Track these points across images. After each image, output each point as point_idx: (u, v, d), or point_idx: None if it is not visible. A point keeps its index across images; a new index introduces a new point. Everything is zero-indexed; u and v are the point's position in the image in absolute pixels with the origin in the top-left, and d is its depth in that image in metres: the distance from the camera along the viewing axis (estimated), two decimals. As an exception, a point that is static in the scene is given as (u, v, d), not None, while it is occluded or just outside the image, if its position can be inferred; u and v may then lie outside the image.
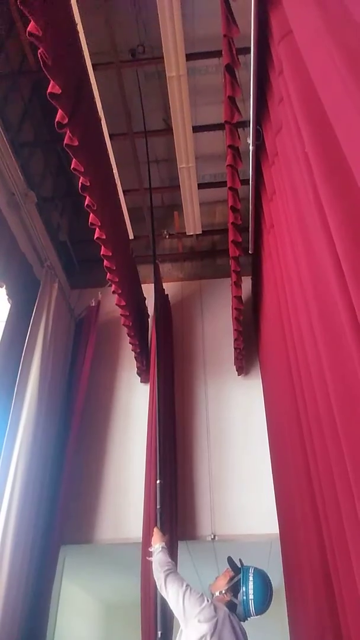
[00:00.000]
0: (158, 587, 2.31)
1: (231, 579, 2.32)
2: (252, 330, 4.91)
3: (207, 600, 2.11)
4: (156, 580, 2.33)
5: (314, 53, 1.63)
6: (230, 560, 2.41)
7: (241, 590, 2.25)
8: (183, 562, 3.93)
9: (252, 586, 2.24)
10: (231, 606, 2.20)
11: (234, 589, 2.27)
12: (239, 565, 2.37)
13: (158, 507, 2.97)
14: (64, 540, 3.87)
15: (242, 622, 2.18)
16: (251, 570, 2.31)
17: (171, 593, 2.18)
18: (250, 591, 2.23)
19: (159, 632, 2.89)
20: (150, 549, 2.56)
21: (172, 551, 2.77)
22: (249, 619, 2.24)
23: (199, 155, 5.08)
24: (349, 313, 1.32)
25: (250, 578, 2.27)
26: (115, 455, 4.50)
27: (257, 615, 2.23)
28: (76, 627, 5.79)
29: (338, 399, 1.51)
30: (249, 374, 4.83)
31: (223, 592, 2.28)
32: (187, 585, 2.18)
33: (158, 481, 3.09)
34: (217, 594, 2.30)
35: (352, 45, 1.38)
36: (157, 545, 2.52)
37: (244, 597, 2.22)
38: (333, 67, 1.42)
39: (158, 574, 2.31)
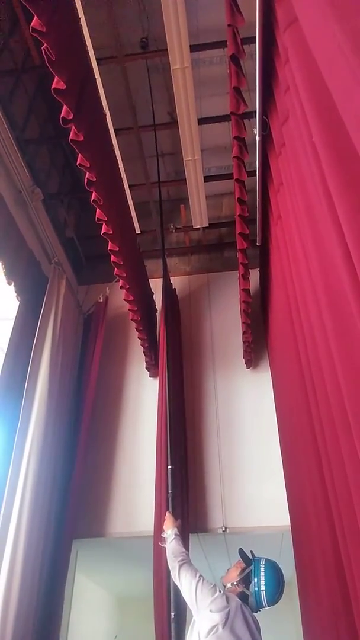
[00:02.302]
0: (172, 576, 2.34)
1: (243, 570, 2.33)
2: (261, 323, 4.90)
3: (219, 591, 2.14)
4: (170, 570, 2.36)
5: (320, 41, 1.60)
6: (241, 552, 2.42)
7: (253, 582, 2.26)
8: (195, 555, 3.92)
9: (263, 577, 2.25)
10: (243, 597, 2.22)
11: (246, 580, 2.29)
12: (251, 557, 2.38)
13: (170, 491, 2.98)
14: (76, 534, 3.91)
15: (254, 613, 2.20)
16: (262, 562, 2.32)
17: (184, 583, 2.21)
18: (262, 582, 2.24)
19: (173, 614, 2.92)
20: (162, 535, 2.58)
21: (184, 541, 2.78)
22: (261, 609, 2.25)
23: (204, 148, 5.05)
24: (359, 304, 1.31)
25: (262, 569, 2.28)
26: (126, 449, 4.53)
27: (269, 606, 2.25)
28: (89, 620, 5.86)
29: (349, 391, 1.51)
30: (258, 367, 4.82)
31: (235, 583, 2.30)
32: (200, 576, 2.21)
33: (169, 467, 3.10)
34: (229, 585, 2.32)
35: None
36: (170, 531, 2.54)
37: (256, 588, 2.23)
38: (340, 54, 1.40)
39: (172, 564, 2.33)
